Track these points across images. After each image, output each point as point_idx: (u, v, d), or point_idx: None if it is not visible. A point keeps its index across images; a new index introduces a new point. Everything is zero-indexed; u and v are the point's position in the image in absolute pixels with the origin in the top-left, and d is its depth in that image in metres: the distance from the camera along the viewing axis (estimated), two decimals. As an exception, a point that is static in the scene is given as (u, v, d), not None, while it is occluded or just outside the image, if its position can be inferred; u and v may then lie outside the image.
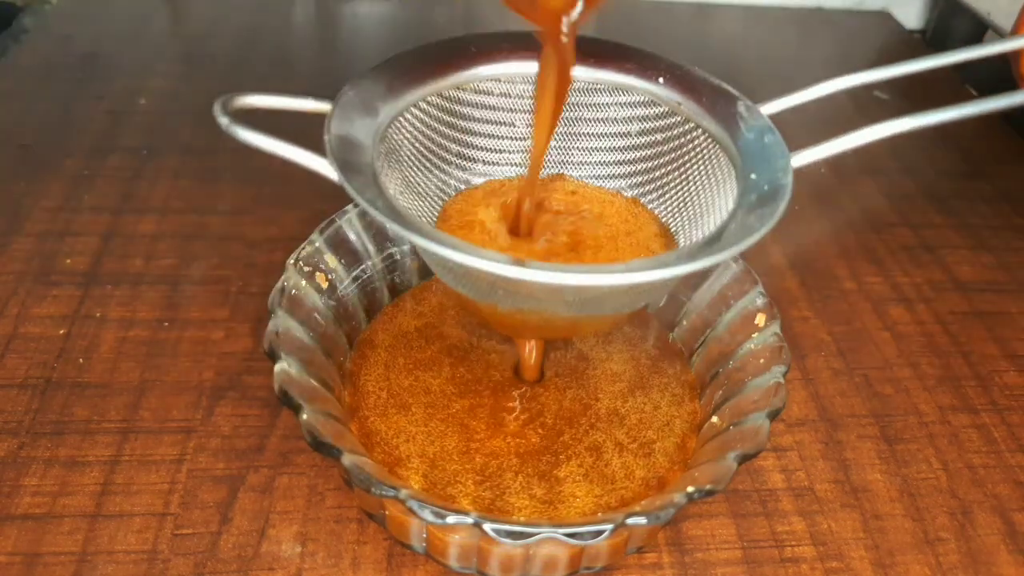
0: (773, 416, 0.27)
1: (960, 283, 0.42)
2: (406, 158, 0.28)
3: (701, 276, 0.33)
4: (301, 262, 0.30)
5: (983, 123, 0.56)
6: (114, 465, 0.30)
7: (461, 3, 0.66)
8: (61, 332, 0.35)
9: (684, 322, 0.34)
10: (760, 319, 0.31)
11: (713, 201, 0.28)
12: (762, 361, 0.29)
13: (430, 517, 0.23)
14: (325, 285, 0.31)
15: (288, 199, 0.43)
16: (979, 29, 0.64)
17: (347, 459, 0.24)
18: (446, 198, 0.30)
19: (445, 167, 0.30)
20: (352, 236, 0.33)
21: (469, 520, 0.23)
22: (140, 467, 0.30)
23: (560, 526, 0.23)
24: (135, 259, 0.38)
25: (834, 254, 0.43)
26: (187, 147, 0.46)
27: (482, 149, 0.31)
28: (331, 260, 0.32)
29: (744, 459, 0.25)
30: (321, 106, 0.26)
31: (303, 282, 0.30)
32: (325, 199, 0.39)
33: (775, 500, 0.31)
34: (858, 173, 0.49)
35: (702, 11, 0.68)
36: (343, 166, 0.23)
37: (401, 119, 0.27)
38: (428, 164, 0.29)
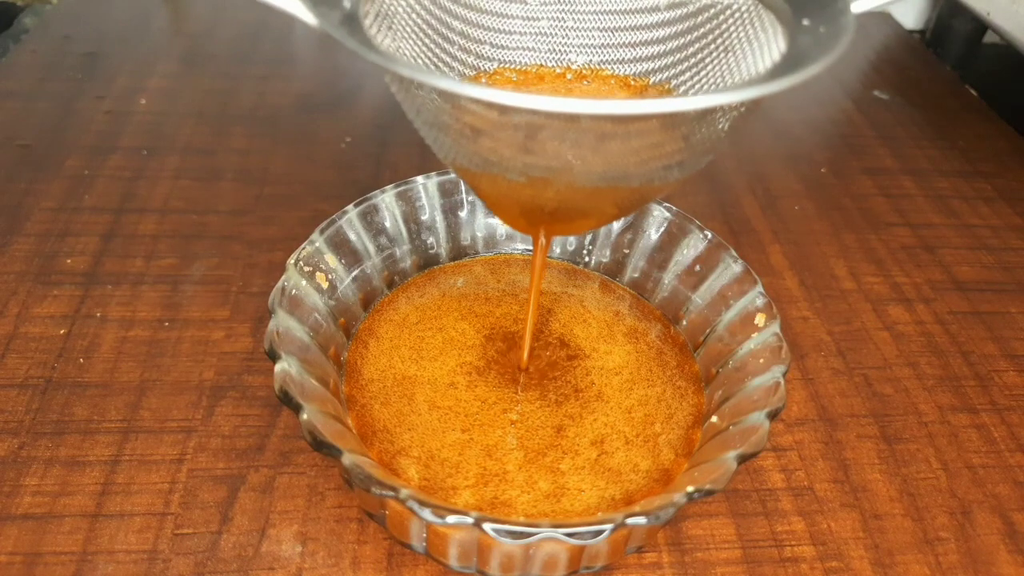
0: (773, 416, 0.27)
1: (960, 283, 0.42)
2: (400, 27, 0.24)
3: (701, 275, 0.34)
4: (301, 262, 0.30)
5: (983, 123, 0.56)
6: (114, 465, 0.30)
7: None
8: (61, 332, 0.35)
9: (685, 321, 0.34)
10: (760, 319, 0.31)
11: (759, 63, 0.24)
12: (762, 361, 0.29)
13: (430, 517, 0.23)
14: (325, 285, 0.31)
15: (288, 199, 0.43)
16: (979, 29, 0.64)
17: (347, 459, 0.24)
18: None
19: (446, 46, 0.26)
20: (352, 236, 0.33)
21: (469, 520, 0.23)
22: (140, 467, 0.30)
23: (560, 526, 0.23)
24: (135, 259, 0.39)
25: (834, 254, 0.43)
26: (187, 147, 0.46)
27: (490, 30, 0.27)
28: (331, 260, 0.32)
29: (744, 459, 0.25)
30: None
31: (303, 282, 0.30)
32: (325, 199, 0.40)
33: (775, 500, 0.31)
34: (858, 173, 0.49)
35: (702, 11, 0.68)
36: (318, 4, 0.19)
37: None
38: (426, 40, 0.25)
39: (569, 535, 0.23)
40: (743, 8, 0.25)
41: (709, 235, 0.34)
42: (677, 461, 0.29)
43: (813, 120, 0.54)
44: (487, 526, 0.23)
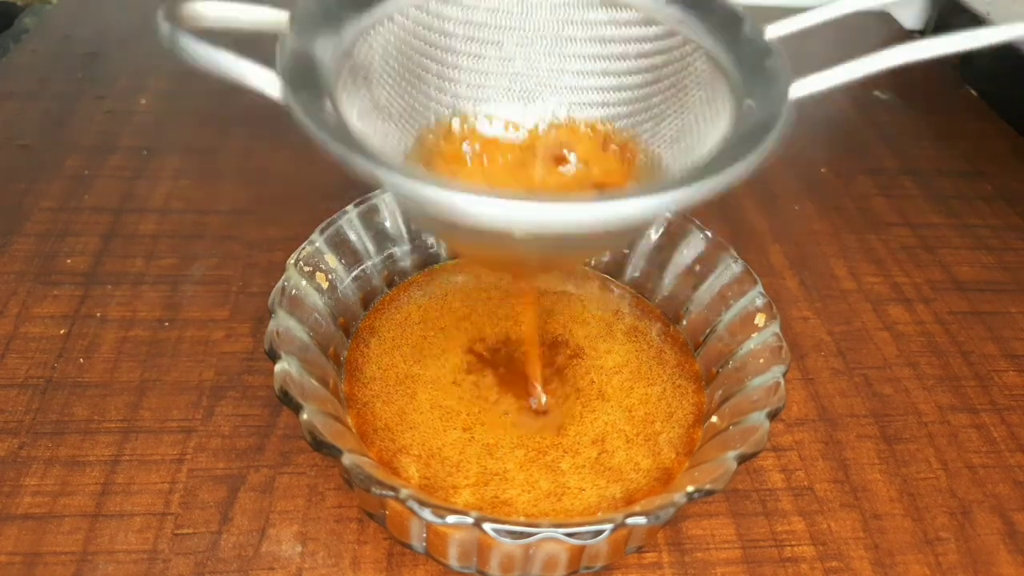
0: (773, 416, 0.27)
1: (960, 283, 0.42)
2: (376, 77, 0.25)
3: (701, 275, 0.34)
4: (301, 262, 0.30)
5: (983, 123, 0.56)
6: (114, 465, 0.30)
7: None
8: (61, 332, 0.35)
9: (685, 321, 0.34)
10: (760, 319, 0.31)
11: (711, 132, 0.25)
12: (762, 361, 0.29)
13: (430, 517, 0.23)
14: (325, 285, 0.31)
15: (288, 199, 0.43)
16: (974, 23, 0.64)
17: (347, 459, 0.24)
18: (421, 124, 0.27)
19: (423, 87, 0.27)
20: (352, 236, 0.33)
21: (469, 520, 0.23)
22: (140, 467, 0.30)
23: (560, 526, 0.23)
24: (135, 259, 0.39)
25: (834, 254, 0.43)
26: (187, 147, 0.46)
27: (466, 70, 0.27)
28: (331, 260, 0.32)
29: (744, 459, 0.25)
30: (280, 17, 0.22)
31: (303, 282, 0.30)
32: (325, 199, 0.39)
33: (775, 500, 0.31)
34: (858, 173, 0.49)
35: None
36: (293, 81, 0.20)
37: (372, 32, 0.24)
38: (402, 83, 0.26)
39: (569, 535, 0.23)
40: (700, 69, 0.26)
41: (709, 235, 0.34)
42: (678, 460, 0.29)
43: (813, 120, 0.54)
44: (487, 526, 0.23)
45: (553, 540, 0.23)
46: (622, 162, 0.28)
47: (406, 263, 0.35)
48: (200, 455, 0.30)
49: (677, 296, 0.34)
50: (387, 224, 0.34)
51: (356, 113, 0.23)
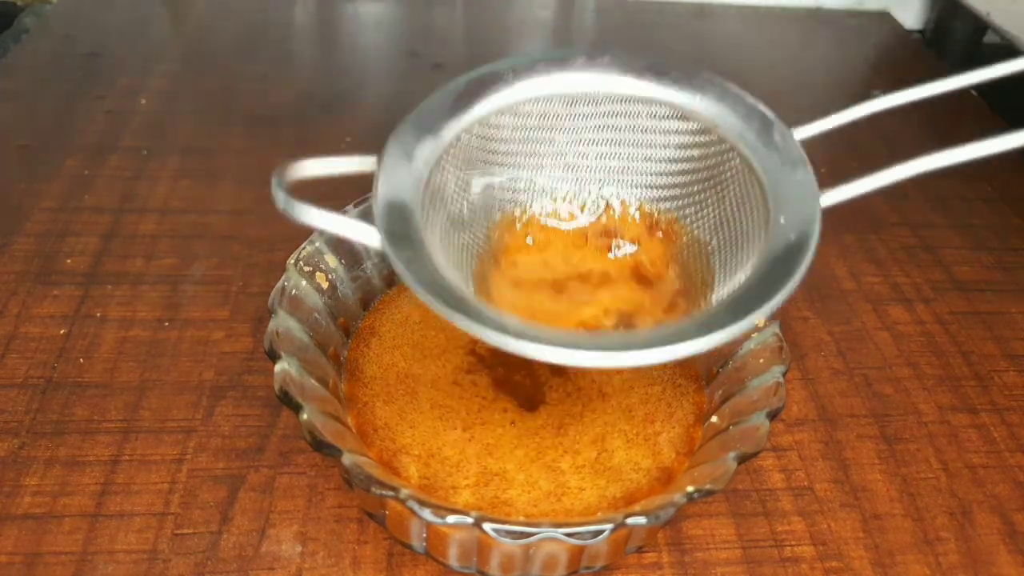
0: (773, 416, 0.27)
1: (960, 283, 0.42)
2: (449, 194, 0.28)
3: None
4: (301, 262, 0.30)
5: (983, 123, 0.56)
6: (114, 465, 0.30)
7: (461, 3, 0.66)
8: (61, 332, 0.35)
9: (684, 322, 0.34)
10: (760, 321, 0.31)
11: (748, 222, 0.27)
12: (762, 361, 0.29)
13: (430, 517, 0.23)
14: (325, 285, 0.31)
15: (288, 199, 0.43)
16: (979, 29, 0.64)
17: (347, 459, 0.24)
18: (490, 223, 0.30)
19: (488, 190, 0.29)
20: (352, 236, 0.33)
21: (469, 520, 0.23)
22: (140, 467, 0.30)
23: (560, 526, 0.23)
24: (135, 259, 0.39)
25: (834, 254, 0.43)
26: (187, 147, 0.46)
27: (523, 168, 0.30)
28: (331, 260, 0.32)
29: (744, 459, 0.25)
30: (369, 163, 0.26)
31: (303, 282, 0.30)
32: (325, 199, 0.39)
33: (775, 500, 0.31)
34: (858, 173, 0.49)
35: (702, 11, 0.68)
36: (391, 236, 0.24)
37: (444, 156, 0.27)
38: (471, 191, 0.29)
39: (569, 535, 0.23)
40: (735, 167, 0.28)
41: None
42: (678, 460, 0.29)
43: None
44: (487, 526, 0.23)
45: (553, 540, 0.23)
46: (667, 245, 0.30)
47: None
48: (200, 455, 0.30)
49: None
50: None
51: (439, 231, 0.26)
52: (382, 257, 0.34)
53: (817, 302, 0.40)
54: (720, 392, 0.30)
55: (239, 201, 0.43)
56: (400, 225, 0.24)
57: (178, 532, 0.28)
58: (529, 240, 0.30)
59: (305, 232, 0.32)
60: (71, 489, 0.29)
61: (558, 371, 0.32)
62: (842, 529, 0.30)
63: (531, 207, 0.30)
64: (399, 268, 0.23)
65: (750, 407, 0.28)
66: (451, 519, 0.23)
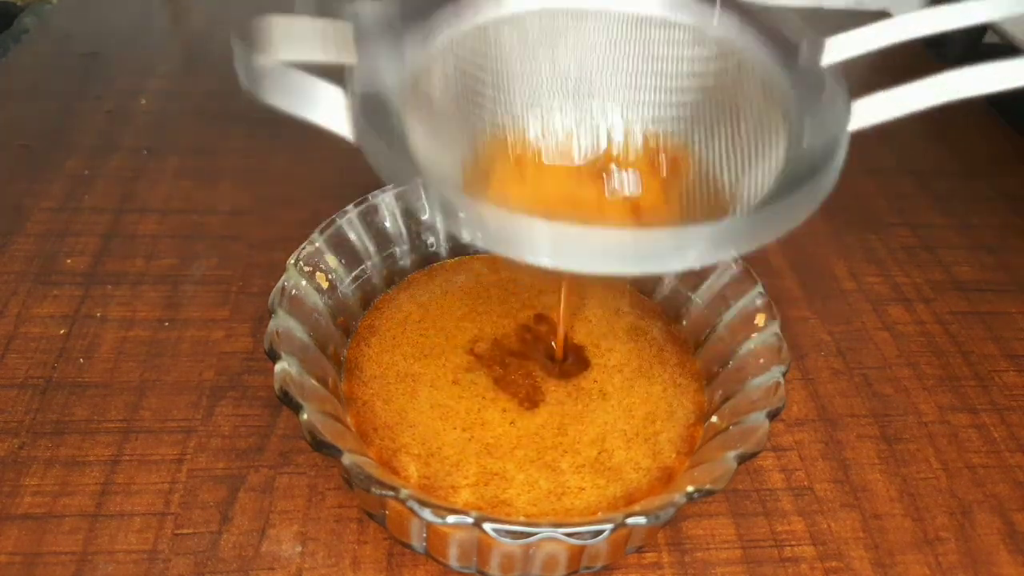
0: (773, 416, 0.27)
1: (960, 283, 0.42)
2: (437, 99, 0.26)
3: (701, 276, 0.33)
4: (301, 262, 0.30)
5: (983, 123, 0.56)
6: (114, 465, 0.30)
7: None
8: (61, 332, 0.35)
9: (685, 321, 0.34)
10: (760, 319, 0.31)
11: (765, 155, 0.25)
12: (762, 361, 0.29)
13: (430, 517, 0.23)
14: (325, 285, 0.31)
15: (288, 199, 0.43)
16: (979, 29, 0.64)
17: (347, 459, 0.24)
18: (479, 138, 0.28)
19: (481, 101, 0.27)
20: (352, 236, 0.33)
21: (469, 520, 0.23)
22: (140, 467, 0.30)
23: (560, 526, 0.23)
24: (135, 259, 0.39)
25: (834, 254, 0.43)
26: (187, 147, 0.46)
27: (520, 79, 0.28)
28: (331, 260, 0.32)
29: (744, 459, 0.25)
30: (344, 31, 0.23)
31: (303, 282, 0.30)
32: (325, 199, 0.39)
33: (775, 500, 0.31)
34: (858, 173, 0.49)
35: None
36: (366, 120, 0.21)
37: (436, 61, 0.25)
38: (461, 101, 0.27)
39: (569, 535, 0.23)
40: (752, 92, 0.26)
41: (709, 235, 0.34)
42: (678, 459, 0.29)
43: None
44: (487, 526, 0.23)
45: (553, 540, 0.23)
46: (673, 176, 0.28)
47: (406, 262, 0.35)
48: (200, 455, 0.30)
49: (677, 296, 0.34)
50: (387, 224, 0.34)
51: (421, 137, 0.24)
52: (382, 255, 0.34)
53: (817, 302, 0.40)
54: (720, 392, 0.30)
55: (239, 201, 0.43)
56: (380, 110, 0.22)
57: (178, 532, 0.28)
58: (524, 163, 0.28)
59: (305, 232, 0.32)
60: (71, 489, 0.29)
61: (560, 368, 0.32)
62: (842, 529, 0.30)
63: (527, 126, 0.28)
64: (374, 156, 0.21)
65: (750, 407, 0.28)
66: (451, 519, 0.23)
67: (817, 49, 0.25)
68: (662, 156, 0.28)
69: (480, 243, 0.20)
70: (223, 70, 0.54)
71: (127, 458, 0.30)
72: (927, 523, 0.31)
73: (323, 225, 0.32)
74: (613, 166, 0.28)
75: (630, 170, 0.28)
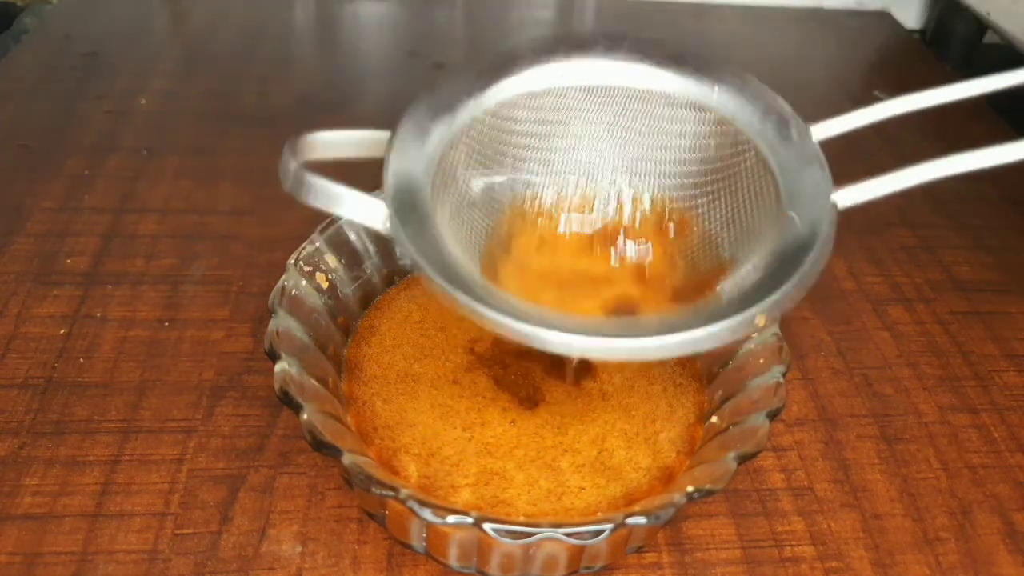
0: (773, 416, 0.27)
1: (960, 283, 0.42)
2: (461, 175, 0.28)
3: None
4: (301, 262, 0.30)
5: (983, 123, 0.56)
6: (114, 465, 0.30)
7: (461, 3, 0.66)
8: (61, 332, 0.35)
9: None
10: (760, 319, 0.31)
11: (760, 218, 0.27)
12: (762, 361, 0.29)
13: (430, 517, 0.23)
14: (325, 285, 0.31)
15: (288, 199, 0.42)
16: (979, 29, 0.64)
17: (347, 459, 0.24)
18: (500, 207, 0.30)
19: (500, 172, 0.29)
20: (352, 236, 0.33)
21: (469, 520, 0.23)
22: (140, 467, 0.30)
23: (560, 526, 0.23)
24: (135, 259, 0.39)
25: (834, 254, 0.43)
26: (187, 147, 0.46)
27: (536, 150, 0.30)
28: (331, 260, 0.32)
29: (744, 459, 0.25)
30: (382, 138, 0.27)
31: (303, 282, 0.30)
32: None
33: (775, 500, 0.31)
34: (858, 173, 0.49)
35: (702, 11, 0.68)
36: (400, 211, 0.24)
37: (458, 139, 0.27)
38: (482, 174, 0.29)
39: (569, 535, 0.23)
40: (750, 162, 0.28)
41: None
42: (679, 459, 0.29)
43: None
44: (487, 526, 0.23)
45: (553, 540, 0.23)
46: (679, 239, 0.30)
47: (406, 262, 0.35)
48: (200, 455, 0.30)
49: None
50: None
51: (448, 212, 0.26)
52: (382, 255, 0.34)
53: (817, 302, 0.40)
54: (720, 392, 0.30)
55: (239, 201, 0.43)
56: (409, 201, 0.24)
57: (178, 532, 0.28)
58: (539, 230, 0.30)
59: (305, 232, 0.32)
60: (71, 489, 0.29)
61: (558, 369, 0.32)
62: (842, 529, 0.30)
63: (543, 197, 0.30)
64: (404, 245, 0.23)
65: (750, 407, 0.28)
66: (451, 519, 0.23)
67: (805, 128, 0.28)
68: (669, 222, 0.30)
69: (505, 334, 0.22)
70: (223, 70, 0.54)
71: (127, 458, 0.30)
72: (927, 523, 0.31)
73: (323, 225, 0.32)
74: (624, 229, 0.30)
75: (640, 233, 0.30)
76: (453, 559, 0.27)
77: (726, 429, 0.28)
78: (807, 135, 0.27)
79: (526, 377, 0.32)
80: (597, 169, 0.30)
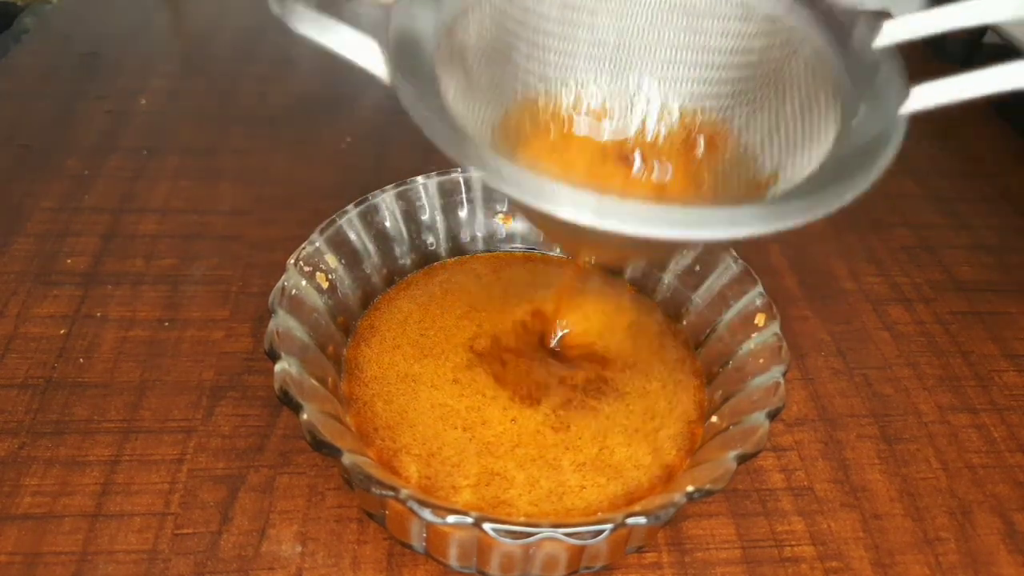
0: (773, 416, 0.27)
1: (960, 283, 0.42)
2: (471, 54, 0.25)
3: (701, 275, 0.34)
4: (301, 262, 0.30)
5: (983, 123, 0.56)
6: (114, 465, 0.30)
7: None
8: (61, 332, 0.35)
9: (685, 321, 0.34)
10: (760, 319, 0.31)
11: (812, 136, 0.24)
12: (762, 361, 0.29)
13: (430, 517, 0.23)
14: (325, 285, 0.31)
15: (288, 199, 0.43)
16: (979, 29, 0.64)
17: (347, 459, 0.24)
18: (510, 98, 0.27)
19: (514, 60, 0.26)
20: (352, 236, 0.33)
21: (469, 520, 0.23)
22: (140, 467, 0.30)
23: (560, 526, 0.23)
24: (135, 259, 0.39)
25: (834, 254, 0.43)
26: (187, 147, 0.46)
27: (557, 43, 0.27)
28: (331, 260, 0.32)
29: (744, 459, 0.25)
30: None
31: (303, 282, 0.30)
32: (325, 199, 0.40)
33: (775, 500, 0.31)
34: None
35: (702, 11, 0.68)
36: (400, 65, 0.21)
37: (471, 10, 0.24)
38: (494, 59, 0.26)
39: (569, 535, 0.23)
40: (800, 70, 0.25)
41: (709, 235, 0.34)
42: (679, 457, 0.29)
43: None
44: (487, 526, 0.23)
45: (553, 540, 0.23)
46: (709, 157, 0.27)
47: (406, 262, 0.35)
48: (200, 455, 0.30)
49: (677, 296, 0.34)
50: (387, 224, 0.34)
51: (452, 91, 0.23)
52: (382, 255, 0.34)
53: (817, 302, 0.40)
54: (720, 392, 0.30)
55: (239, 201, 0.43)
56: (412, 60, 0.21)
57: (178, 532, 0.28)
58: (552, 129, 0.27)
59: (305, 232, 0.32)
60: (71, 489, 0.29)
61: (560, 367, 0.32)
62: (842, 529, 0.30)
63: (559, 92, 0.27)
64: (407, 100, 0.20)
65: (750, 407, 0.28)
66: (451, 519, 0.23)
67: (872, 30, 0.24)
68: (699, 136, 0.27)
69: (516, 196, 0.19)
70: (223, 70, 0.54)
71: (127, 458, 0.30)
72: (927, 523, 0.31)
73: (323, 225, 0.32)
74: (645, 145, 0.27)
75: (663, 151, 0.27)
76: (453, 559, 0.27)
77: (726, 429, 0.28)
78: (875, 33, 0.24)
79: (527, 375, 0.32)
80: (623, 69, 0.27)
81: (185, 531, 0.28)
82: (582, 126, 0.28)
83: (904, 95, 0.23)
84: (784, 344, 0.29)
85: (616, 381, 0.32)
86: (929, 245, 0.45)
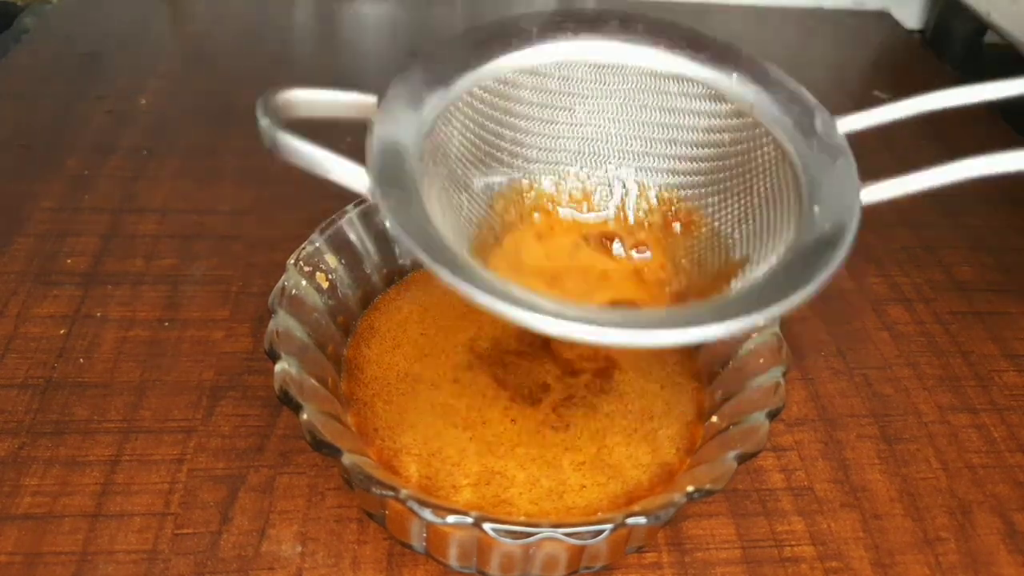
0: (773, 416, 0.27)
1: (960, 283, 0.42)
2: (454, 151, 0.26)
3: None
4: (301, 262, 0.30)
5: (983, 123, 0.56)
6: (114, 465, 0.30)
7: (460, 3, 0.66)
8: (61, 332, 0.35)
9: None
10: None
11: (776, 218, 0.25)
12: (762, 361, 0.29)
13: (430, 517, 0.23)
14: (325, 285, 0.31)
15: (288, 199, 0.43)
16: (979, 29, 0.64)
17: (347, 459, 0.24)
18: (494, 191, 0.28)
19: (497, 154, 0.28)
20: (352, 236, 0.33)
21: (469, 520, 0.23)
22: (140, 467, 0.30)
23: (559, 526, 0.23)
24: (135, 259, 0.39)
25: (834, 254, 0.43)
26: (187, 147, 0.46)
27: (537, 135, 0.28)
28: (331, 260, 0.32)
29: (744, 459, 0.25)
30: (369, 101, 0.24)
31: (303, 282, 0.30)
32: (325, 199, 0.40)
33: (775, 500, 0.31)
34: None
35: (702, 11, 0.68)
36: (382, 179, 0.22)
37: (452, 108, 0.25)
38: (477, 153, 0.27)
39: (569, 535, 0.23)
40: (768, 156, 0.26)
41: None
42: (679, 456, 0.29)
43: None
44: (487, 526, 0.23)
45: (553, 540, 0.23)
46: (684, 237, 0.28)
47: (406, 262, 0.35)
48: (200, 455, 0.30)
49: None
50: (387, 224, 0.34)
51: (436, 189, 0.24)
52: (382, 255, 0.34)
53: (817, 302, 0.40)
54: (720, 392, 0.30)
55: (239, 201, 0.43)
56: (394, 170, 0.22)
57: (178, 532, 0.28)
58: (536, 218, 0.28)
59: (305, 232, 0.32)
60: (71, 489, 0.29)
61: (560, 366, 0.32)
62: (842, 529, 0.30)
63: (541, 182, 0.28)
64: (385, 212, 0.21)
65: (750, 407, 0.28)
66: (451, 519, 0.23)
67: (831, 121, 0.26)
68: (675, 221, 0.28)
69: (488, 308, 0.20)
70: (223, 70, 0.54)
71: (127, 458, 0.30)
72: (927, 523, 0.31)
73: (323, 225, 0.32)
74: (625, 229, 0.29)
75: (641, 235, 0.29)
76: (453, 559, 0.27)
77: (726, 429, 0.28)
78: (832, 126, 0.25)
79: (527, 374, 0.32)
80: (600, 158, 0.28)
81: (185, 531, 0.28)
82: (564, 214, 0.29)
83: (856, 188, 0.24)
84: (784, 344, 0.29)
85: (616, 381, 0.32)
86: (929, 245, 0.45)
